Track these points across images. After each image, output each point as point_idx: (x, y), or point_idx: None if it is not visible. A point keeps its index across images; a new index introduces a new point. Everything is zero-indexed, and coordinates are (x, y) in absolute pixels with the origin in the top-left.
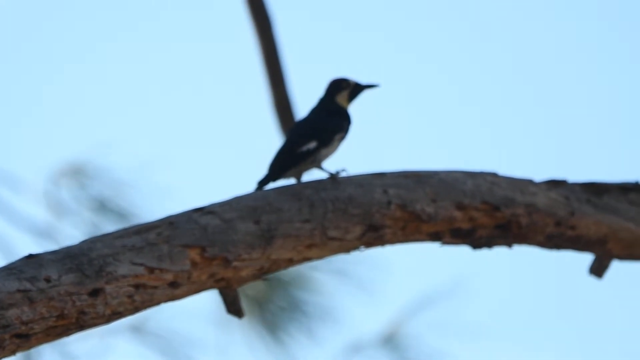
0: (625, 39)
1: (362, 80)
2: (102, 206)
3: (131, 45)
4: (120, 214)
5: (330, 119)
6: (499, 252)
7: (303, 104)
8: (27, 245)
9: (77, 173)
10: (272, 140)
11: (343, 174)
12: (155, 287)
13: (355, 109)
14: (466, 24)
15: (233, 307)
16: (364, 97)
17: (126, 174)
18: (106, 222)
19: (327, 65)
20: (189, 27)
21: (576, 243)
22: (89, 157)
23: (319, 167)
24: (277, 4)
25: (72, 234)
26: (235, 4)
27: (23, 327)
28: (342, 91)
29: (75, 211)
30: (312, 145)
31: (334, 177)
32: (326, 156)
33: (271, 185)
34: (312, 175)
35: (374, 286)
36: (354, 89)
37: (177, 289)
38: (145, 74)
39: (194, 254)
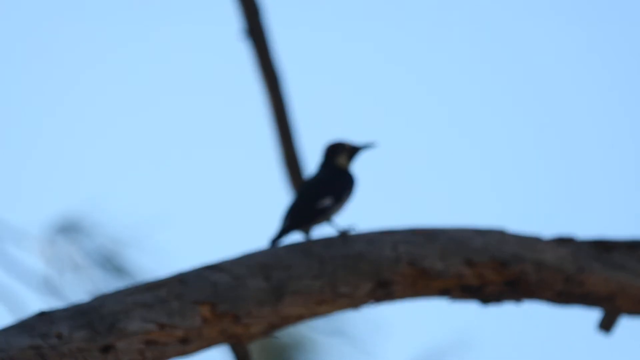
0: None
1: (361, 139)
2: (103, 261)
3: (136, 100)
4: (119, 270)
5: (339, 178)
6: (507, 308)
7: (312, 160)
8: (27, 298)
9: (76, 228)
10: (281, 196)
11: (352, 231)
12: (166, 344)
13: (366, 164)
14: (472, 78)
15: None
16: (373, 152)
17: (128, 229)
18: (106, 278)
19: (335, 120)
20: (196, 82)
21: (585, 299)
22: (88, 212)
23: (330, 223)
24: (286, 60)
25: (72, 288)
26: (244, 60)
27: None
28: (340, 154)
29: (75, 265)
30: (328, 201)
31: (343, 234)
32: (337, 213)
33: (284, 239)
34: (321, 231)
35: (375, 347)
36: (351, 151)
37: (187, 345)
38: (152, 129)
39: (205, 311)
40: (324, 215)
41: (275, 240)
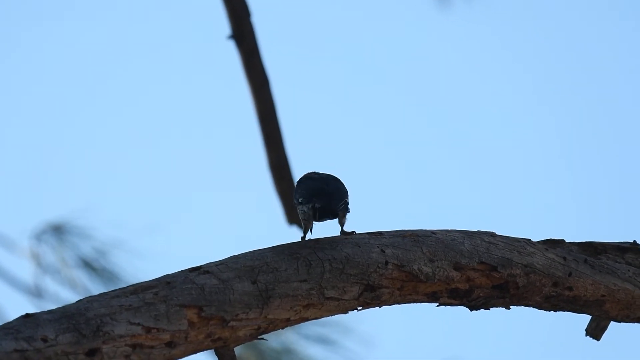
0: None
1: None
2: (87, 265)
3: (126, 107)
4: (105, 274)
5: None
6: (496, 312)
7: (298, 164)
8: (12, 302)
9: (63, 232)
10: (267, 199)
11: (354, 234)
12: (152, 347)
13: (355, 167)
14: (461, 88)
15: None
16: (363, 155)
17: (117, 233)
18: (92, 281)
19: (322, 126)
20: (183, 89)
21: (574, 304)
22: (76, 217)
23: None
24: (272, 64)
25: (57, 291)
26: (232, 65)
27: None
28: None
29: (60, 269)
30: (346, 203)
31: (347, 233)
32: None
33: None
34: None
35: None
36: None
37: (174, 349)
38: (141, 136)
39: (191, 314)
40: (341, 215)
41: (318, 213)
